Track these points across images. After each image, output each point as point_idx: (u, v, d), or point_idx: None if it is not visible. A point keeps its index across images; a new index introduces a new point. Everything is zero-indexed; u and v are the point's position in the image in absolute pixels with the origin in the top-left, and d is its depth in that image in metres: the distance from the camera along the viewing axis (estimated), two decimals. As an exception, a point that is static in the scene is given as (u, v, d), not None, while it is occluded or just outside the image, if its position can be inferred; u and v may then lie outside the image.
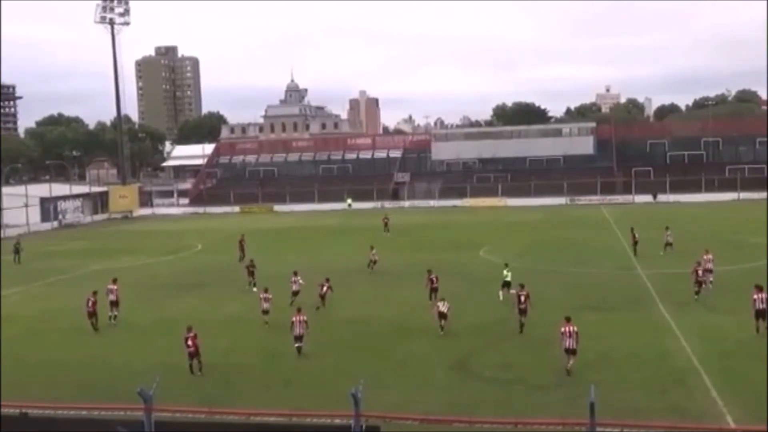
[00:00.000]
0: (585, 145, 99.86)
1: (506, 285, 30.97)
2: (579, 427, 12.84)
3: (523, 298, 25.62)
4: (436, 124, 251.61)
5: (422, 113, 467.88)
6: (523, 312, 25.47)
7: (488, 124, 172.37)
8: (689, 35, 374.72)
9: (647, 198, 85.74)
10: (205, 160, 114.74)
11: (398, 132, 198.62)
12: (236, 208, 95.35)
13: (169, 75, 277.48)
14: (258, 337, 26.33)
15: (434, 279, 31.15)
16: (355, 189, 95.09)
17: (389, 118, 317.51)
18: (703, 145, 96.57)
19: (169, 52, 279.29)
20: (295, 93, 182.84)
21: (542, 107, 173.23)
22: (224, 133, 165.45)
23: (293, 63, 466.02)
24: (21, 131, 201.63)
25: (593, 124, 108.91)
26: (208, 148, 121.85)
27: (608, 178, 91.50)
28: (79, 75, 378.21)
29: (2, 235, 66.71)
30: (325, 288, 30.21)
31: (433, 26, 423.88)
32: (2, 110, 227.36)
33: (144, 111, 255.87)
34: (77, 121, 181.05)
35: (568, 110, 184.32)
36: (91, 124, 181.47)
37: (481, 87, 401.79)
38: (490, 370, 21.62)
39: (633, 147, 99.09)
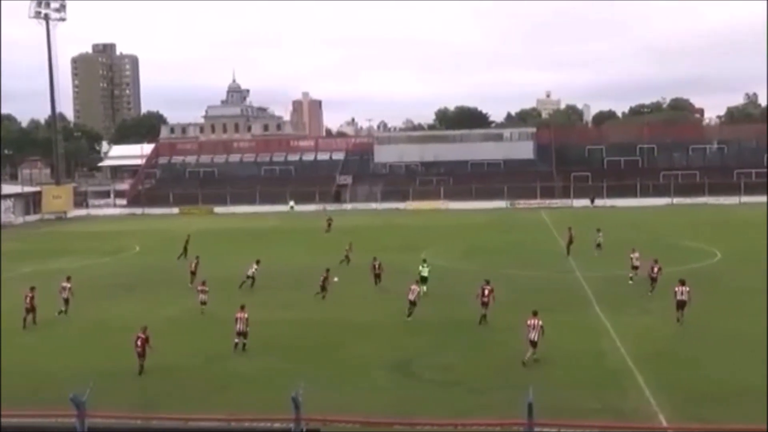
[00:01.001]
0: (525, 150, 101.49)
1: (423, 280, 32.31)
2: (517, 427, 13.00)
3: (486, 292, 27.24)
4: (379, 126, 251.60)
5: (365, 116, 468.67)
6: (484, 305, 27.05)
7: (431, 127, 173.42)
8: (627, 44, 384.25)
9: (585, 202, 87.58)
10: (144, 160, 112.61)
11: (341, 134, 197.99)
12: (175, 210, 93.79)
13: (106, 73, 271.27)
14: (197, 340, 25.94)
15: (376, 266, 35.15)
16: (298, 191, 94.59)
17: (332, 121, 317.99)
18: (638, 151, 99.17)
19: (107, 49, 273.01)
20: (236, 93, 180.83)
21: (484, 112, 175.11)
22: (164, 132, 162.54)
23: (235, 63, 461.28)
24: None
25: (533, 129, 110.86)
26: (147, 147, 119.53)
27: (548, 182, 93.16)
28: (11, 71, 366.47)
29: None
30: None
31: (377, 29, 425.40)
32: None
33: (80, 109, 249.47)
34: (9, 119, 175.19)
35: (509, 115, 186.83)
36: (24, 122, 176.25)
37: (424, 90, 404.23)
38: (432, 372, 21.75)
39: (572, 152, 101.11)
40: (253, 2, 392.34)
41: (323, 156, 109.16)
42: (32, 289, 28.64)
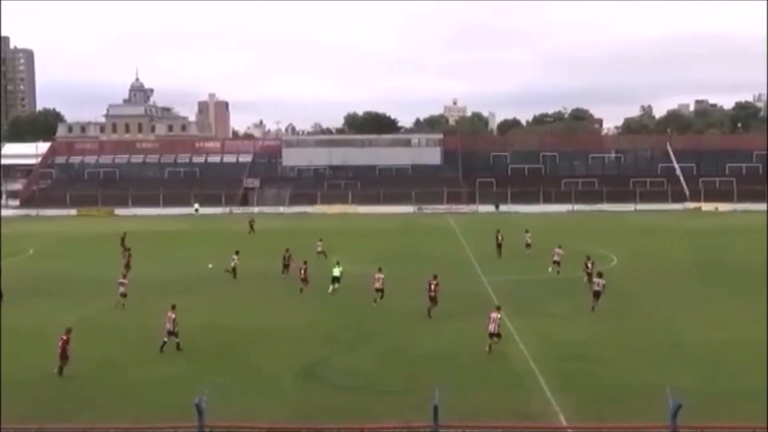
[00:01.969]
0: (433, 156, 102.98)
1: (335, 280, 34.26)
2: (423, 430, 13.11)
3: (433, 286, 29.27)
4: (287, 129, 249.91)
5: (273, 118, 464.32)
6: (432, 299, 29.14)
7: (339, 131, 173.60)
8: (532, 54, 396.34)
9: (490, 208, 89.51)
10: (39, 159, 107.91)
11: (248, 137, 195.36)
12: (73, 211, 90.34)
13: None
14: (97, 347, 24.95)
15: (302, 270, 35.48)
16: (203, 194, 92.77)
17: (239, 123, 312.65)
18: (541, 159, 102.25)
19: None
20: (140, 93, 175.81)
21: (392, 117, 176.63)
22: (61, 131, 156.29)
23: (138, 62, 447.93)
24: None
25: (441, 136, 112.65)
26: (43, 146, 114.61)
27: (454, 187, 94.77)
28: None
29: None
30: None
31: (285, 32, 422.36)
32: None
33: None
34: None
35: (418, 121, 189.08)
36: None
37: (333, 95, 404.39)
38: (339, 377, 21.68)
39: (477, 158, 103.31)
40: (157, 1, 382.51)
41: (230, 158, 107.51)
42: None
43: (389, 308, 30.87)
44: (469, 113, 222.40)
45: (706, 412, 15.99)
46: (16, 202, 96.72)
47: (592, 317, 28.72)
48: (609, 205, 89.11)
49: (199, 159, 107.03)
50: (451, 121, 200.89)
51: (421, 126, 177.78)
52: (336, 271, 34.63)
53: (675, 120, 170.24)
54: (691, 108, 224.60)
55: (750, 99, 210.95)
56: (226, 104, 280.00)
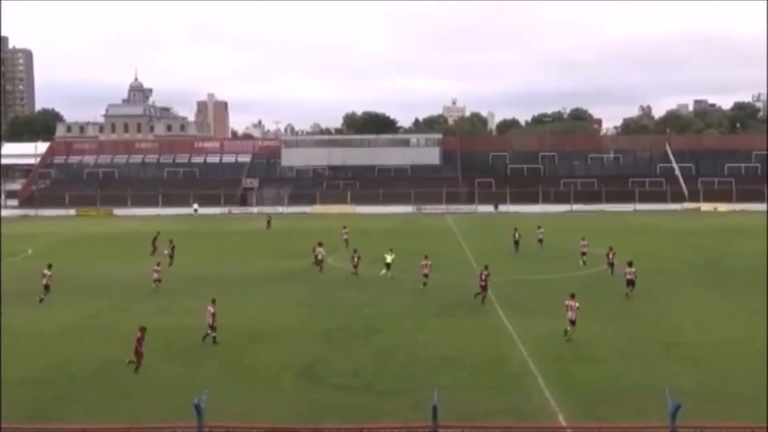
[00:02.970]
0: (431, 156, 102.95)
1: (388, 266, 38.04)
2: (422, 430, 13.11)
3: (484, 276, 31.07)
4: (286, 130, 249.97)
5: (272, 119, 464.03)
6: (483, 288, 30.93)
7: (338, 131, 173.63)
8: (531, 55, 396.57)
9: (489, 208, 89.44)
10: (38, 159, 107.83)
11: (247, 137, 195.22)
12: (72, 211, 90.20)
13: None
14: (95, 347, 24.97)
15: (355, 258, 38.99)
16: (202, 194, 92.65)
17: (238, 123, 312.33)
18: (540, 159, 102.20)
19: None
20: (139, 92, 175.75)
21: (391, 117, 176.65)
22: (60, 131, 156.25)
23: (138, 61, 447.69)
24: None
25: (440, 136, 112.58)
26: (42, 146, 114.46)
27: (453, 188, 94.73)
28: None
29: None
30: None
31: (284, 32, 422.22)
32: None
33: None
34: None
35: (417, 121, 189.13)
36: None
37: (332, 95, 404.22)
38: (337, 377, 21.68)
39: (476, 159, 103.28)
40: (155, 1, 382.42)
41: (229, 158, 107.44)
42: None
43: (388, 308, 30.89)
44: (468, 113, 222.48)
45: (704, 412, 16.01)
46: (15, 202, 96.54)
47: (590, 317, 28.69)
48: (608, 206, 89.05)
49: (198, 159, 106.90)
50: (450, 122, 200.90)
51: (420, 126, 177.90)
52: (388, 258, 38.53)
53: (674, 120, 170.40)
54: (690, 108, 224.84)
55: (749, 99, 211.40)
56: (225, 104, 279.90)
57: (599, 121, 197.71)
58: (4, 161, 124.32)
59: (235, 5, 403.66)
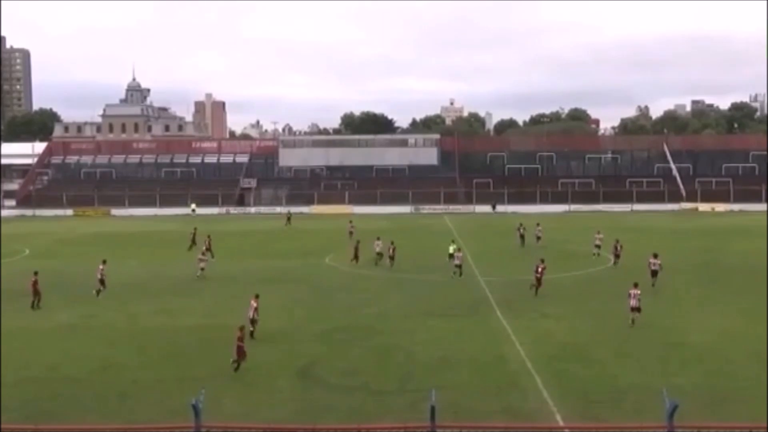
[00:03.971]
0: (429, 156, 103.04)
1: (451, 257, 39.94)
2: (420, 430, 13.08)
3: (540, 269, 32.57)
4: (284, 130, 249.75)
5: (270, 119, 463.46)
6: (538, 280, 32.51)
7: (336, 132, 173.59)
8: (528, 55, 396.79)
9: (487, 208, 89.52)
10: (35, 159, 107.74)
11: (245, 137, 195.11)
12: (69, 211, 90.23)
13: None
14: (92, 347, 24.91)
15: (391, 249, 41.86)
16: (200, 194, 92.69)
17: (236, 123, 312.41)
18: (538, 159, 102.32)
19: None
20: (136, 92, 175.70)
21: (389, 117, 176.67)
22: (57, 131, 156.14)
23: (135, 61, 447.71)
24: None
25: (437, 136, 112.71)
26: (39, 146, 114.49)
27: (451, 188, 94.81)
28: None
29: None
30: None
31: (283, 32, 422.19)
32: None
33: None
34: None
35: (414, 121, 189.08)
36: None
37: (330, 95, 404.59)
38: (335, 377, 21.64)
39: (474, 159, 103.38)
40: (154, 1, 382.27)
41: (226, 158, 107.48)
42: None
43: (386, 308, 30.87)
44: (465, 113, 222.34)
45: (703, 411, 16.01)
46: (13, 202, 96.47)
47: (588, 318, 28.69)
48: (606, 206, 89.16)
49: (195, 159, 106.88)
50: (448, 122, 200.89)
51: (417, 126, 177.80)
52: (451, 249, 41.09)
53: (671, 120, 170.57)
54: (688, 108, 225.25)
55: (746, 99, 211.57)
56: (223, 104, 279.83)
57: (597, 122, 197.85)
58: (2, 161, 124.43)
59: (234, 5, 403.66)
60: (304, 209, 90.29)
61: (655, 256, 35.13)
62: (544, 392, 19.76)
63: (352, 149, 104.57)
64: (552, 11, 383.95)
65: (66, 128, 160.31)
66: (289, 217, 74.75)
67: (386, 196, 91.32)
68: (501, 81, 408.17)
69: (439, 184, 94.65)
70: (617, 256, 40.77)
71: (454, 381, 20.67)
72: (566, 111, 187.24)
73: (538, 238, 52.35)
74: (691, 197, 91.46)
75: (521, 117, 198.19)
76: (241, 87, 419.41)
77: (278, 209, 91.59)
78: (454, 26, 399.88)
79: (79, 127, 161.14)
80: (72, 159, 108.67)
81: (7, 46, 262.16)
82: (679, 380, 20.14)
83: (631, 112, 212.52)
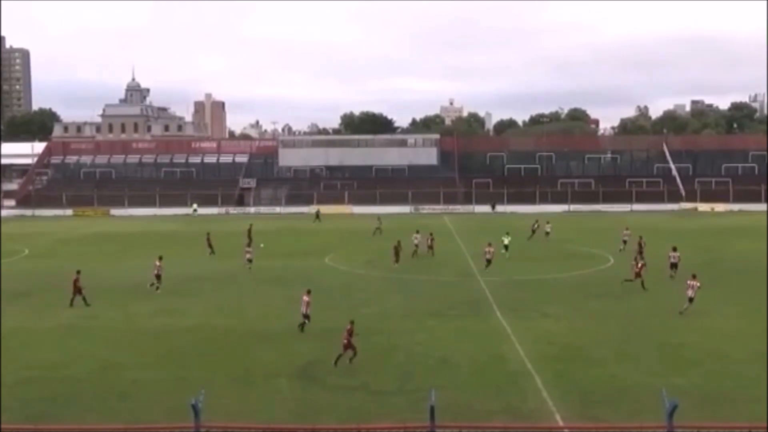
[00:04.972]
0: (429, 156, 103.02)
1: (506, 248, 44.05)
2: (420, 430, 13.08)
3: (639, 265, 34.13)
4: (283, 130, 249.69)
5: (270, 119, 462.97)
6: (637, 275, 33.84)
7: (336, 132, 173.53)
8: (527, 55, 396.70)
9: (486, 208, 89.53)
10: (35, 159, 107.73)
11: (245, 137, 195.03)
12: (69, 211, 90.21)
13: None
14: (92, 348, 24.91)
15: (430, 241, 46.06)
16: (200, 194, 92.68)
17: (236, 123, 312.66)
18: (537, 159, 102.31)
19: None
20: (136, 92, 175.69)
21: (389, 117, 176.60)
22: (57, 131, 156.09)
23: (135, 61, 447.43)
24: None
25: (437, 136, 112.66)
26: (38, 146, 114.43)
27: (451, 188, 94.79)
28: None
29: None
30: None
31: (283, 32, 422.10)
32: None
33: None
34: None
35: (414, 121, 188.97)
36: None
37: (329, 95, 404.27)
38: (334, 377, 21.63)
39: (474, 159, 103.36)
40: (152, 1, 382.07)
41: (226, 158, 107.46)
42: None
43: (385, 308, 30.87)
44: (465, 113, 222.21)
45: (703, 411, 16.01)
46: (12, 202, 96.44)
47: (587, 317, 28.70)
48: (605, 206, 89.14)
49: (195, 159, 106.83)
50: (448, 122, 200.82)
51: (417, 126, 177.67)
52: (506, 240, 44.61)
53: (671, 120, 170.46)
54: (687, 108, 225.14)
55: (746, 99, 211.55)
56: (223, 104, 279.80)
57: (596, 122, 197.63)
58: (1, 161, 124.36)
59: (234, 5, 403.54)
60: (304, 209, 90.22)
61: (674, 249, 37.21)
62: (544, 392, 19.77)
63: (351, 149, 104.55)
64: (552, 11, 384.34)
65: (65, 128, 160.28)
66: (317, 214, 77.46)
67: (386, 196, 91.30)
68: (500, 81, 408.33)
69: (439, 184, 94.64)
70: (641, 253, 41.63)
71: (453, 381, 20.67)
72: (566, 111, 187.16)
73: (547, 233, 55.97)
74: (691, 197, 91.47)
75: (521, 117, 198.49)
76: (240, 87, 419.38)
77: (278, 209, 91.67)
78: (454, 26, 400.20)
79: (79, 127, 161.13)
80: (71, 159, 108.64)
81: (7, 45, 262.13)
82: (679, 380, 20.14)
83: (630, 112, 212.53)
